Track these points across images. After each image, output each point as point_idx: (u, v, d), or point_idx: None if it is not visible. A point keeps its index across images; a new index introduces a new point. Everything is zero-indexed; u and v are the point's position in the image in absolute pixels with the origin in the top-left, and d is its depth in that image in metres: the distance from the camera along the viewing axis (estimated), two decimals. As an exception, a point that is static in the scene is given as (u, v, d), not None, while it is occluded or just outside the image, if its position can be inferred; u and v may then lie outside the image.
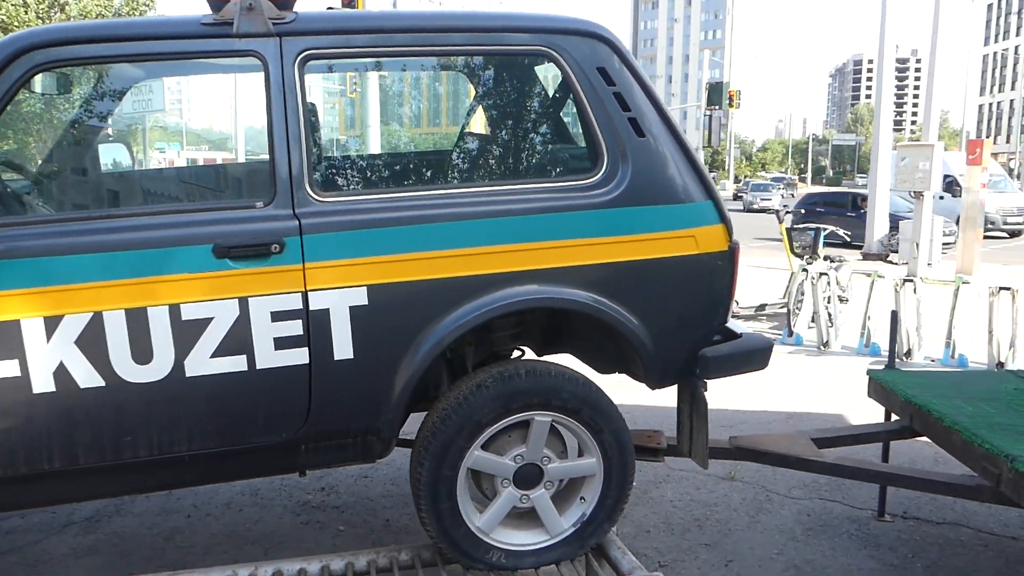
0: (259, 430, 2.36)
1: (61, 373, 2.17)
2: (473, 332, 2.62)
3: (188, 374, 2.25)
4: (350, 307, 2.32)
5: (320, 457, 2.49)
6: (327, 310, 2.31)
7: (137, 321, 2.19)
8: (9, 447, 2.21)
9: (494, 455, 2.57)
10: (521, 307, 2.43)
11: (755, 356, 2.75)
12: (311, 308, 2.30)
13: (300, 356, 2.31)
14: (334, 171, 2.62)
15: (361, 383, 2.38)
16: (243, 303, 2.25)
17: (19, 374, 2.14)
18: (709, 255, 2.63)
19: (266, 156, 2.37)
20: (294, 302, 2.28)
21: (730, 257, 2.67)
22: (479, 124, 2.87)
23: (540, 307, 2.47)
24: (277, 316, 2.28)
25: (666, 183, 2.58)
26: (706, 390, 2.75)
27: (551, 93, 2.80)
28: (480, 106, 2.81)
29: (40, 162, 3.07)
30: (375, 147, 2.66)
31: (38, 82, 2.67)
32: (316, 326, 2.31)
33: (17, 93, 2.16)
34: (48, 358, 2.15)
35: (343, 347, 2.33)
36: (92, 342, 2.17)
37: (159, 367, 2.22)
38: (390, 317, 2.36)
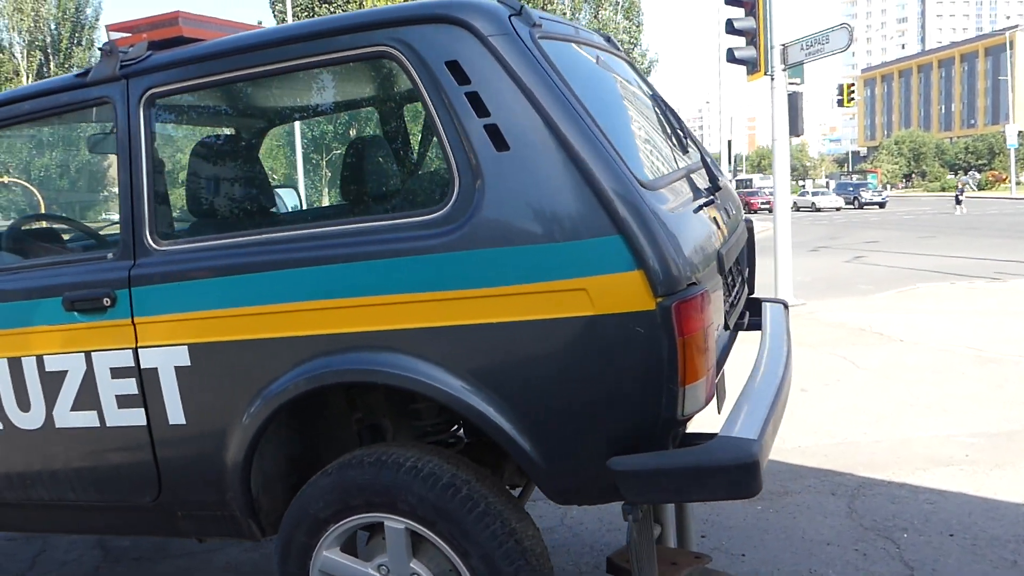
0: (126, 490, 2.28)
1: None
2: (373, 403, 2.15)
3: (57, 425, 2.28)
4: (175, 367, 2.10)
5: (200, 527, 2.30)
6: (156, 369, 2.12)
7: (16, 370, 2.30)
8: None
9: (350, 560, 2.07)
10: (322, 382, 1.95)
11: (709, 475, 1.74)
12: (142, 366, 2.14)
13: (139, 417, 2.18)
14: (175, 217, 2.40)
15: (197, 452, 2.14)
16: (88, 357, 2.20)
17: None
18: (615, 318, 1.75)
19: None
20: (127, 359, 2.16)
21: (662, 321, 1.73)
22: (324, 152, 2.34)
23: (339, 382, 1.96)
24: (115, 373, 2.18)
25: (537, 213, 1.79)
26: (635, 518, 1.81)
27: (404, 105, 2.17)
28: (329, 131, 2.30)
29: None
30: (225, 188, 2.34)
31: None
32: (149, 386, 2.14)
33: None
34: None
35: (175, 411, 2.13)
36: None
37: (36, 416, 2.30)
38: (210, 382, 2.08)
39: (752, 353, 2.58)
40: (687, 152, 2.57)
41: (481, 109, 1.86)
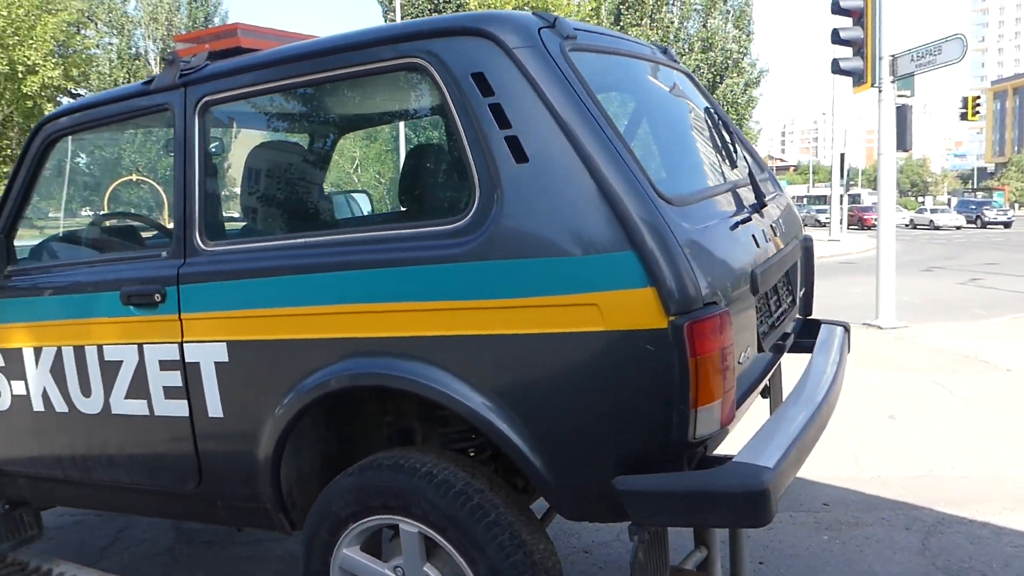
0: (170, 477, 2.39)
1: (45, 397, 2.56)
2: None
3: (113, 411, 2.42)
4: (215, 363, 2.20)
5: (238, 517, 2.39)
6: (198, 364, 2.23)
7: (80, 358, 2.45)
8: (26, 455, 2.69)
9: (369, 560, 2.11)
10: (328, 389, 2.01)
11: (716, 501, 1.68)
12: (186, 360, 2.25)
13: (182, 408, 2.29)
14: (223, 219, 2.49)
15: (232, 445, 2.23)
16: (140, 349, 2.33)
17: (24, 394, 2.61)
18: (626, 334, 1.71)
19: None
20: (173, 353, 2.27)
21: (674, 340, 1.68)
22: (360, 161, 2.37)
23: (346, 388, 2.00)
24: (163, 365, 2.30)
25: (552, 225, 1.77)
26: (640, 539, 1.77)
27: (434, 116, 2.18)
28: (361, 140, 2.34)
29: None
30: (266, 193, 2.40)
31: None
32: (192, 379, 2.25)
33: (44, 159, 2.64)
34: (36, 383, 2.56)
35: (214, 404, 2.23)
36: (58, 372, 2.51)
37: (96, 401, 2.45)
38: (244, 378, 2.17)
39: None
40: (736, 167, 2.51)
41: (503, 121, 1.85)
